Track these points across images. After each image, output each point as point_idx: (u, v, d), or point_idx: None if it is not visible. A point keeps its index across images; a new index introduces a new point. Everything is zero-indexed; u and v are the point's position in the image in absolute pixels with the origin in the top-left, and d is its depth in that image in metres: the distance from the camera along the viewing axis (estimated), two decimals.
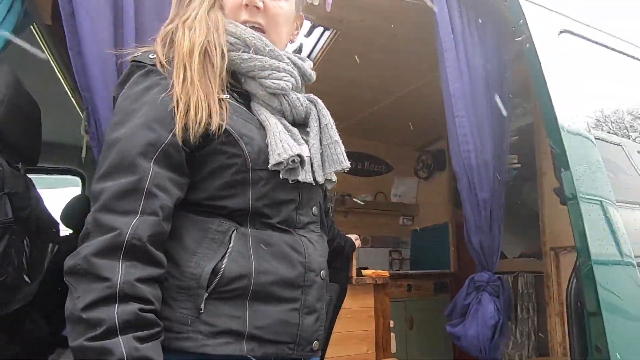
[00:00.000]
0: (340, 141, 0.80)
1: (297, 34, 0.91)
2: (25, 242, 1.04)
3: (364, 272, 1.80)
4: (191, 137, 0.67)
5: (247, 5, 0.78)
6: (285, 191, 0.74)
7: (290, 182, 0.73)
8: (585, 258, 0.93)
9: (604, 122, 1.31)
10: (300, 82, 0.81)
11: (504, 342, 1.45)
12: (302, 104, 0.80)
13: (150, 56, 0.72)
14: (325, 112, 0.83)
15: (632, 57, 1.31)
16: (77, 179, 2.97)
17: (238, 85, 0.79)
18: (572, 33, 1.15)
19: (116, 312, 0.57)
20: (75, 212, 2.28)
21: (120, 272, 0.59)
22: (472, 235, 1.44)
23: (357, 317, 1.65)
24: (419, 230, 3.61)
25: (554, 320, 2.13)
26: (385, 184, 3.68)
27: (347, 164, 0.79)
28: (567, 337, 2.07)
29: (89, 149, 1.65)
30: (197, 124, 0.66)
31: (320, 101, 0.84)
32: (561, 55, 1.10)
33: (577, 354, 1.01)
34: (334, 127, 0.82)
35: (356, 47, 2.20)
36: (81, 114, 2.13)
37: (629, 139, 1.36)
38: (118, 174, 0.64)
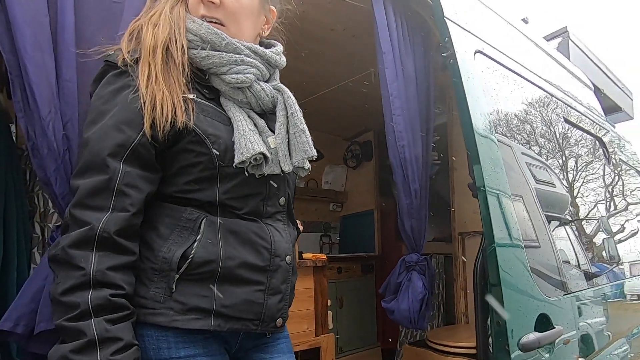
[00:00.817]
0: (306, 129, 0.82)
1: (269, 27, 0.92)
2: None
3: (304, 255, 1.92)
4: (159, 134, 0.71)
5: (202, 0, 0.79)
6: (252, 185, 0.79)
7: (257, 176, 0.78)
8: (490, 240, 1.14)
9: (499, 125, 1.55)
10: (265, 70, 0.83)
11: (429, 313, 1.68)
12: (267, 94, 0.82)
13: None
14: (291, 101, 0.83)
15: (523, 77, 1.60)
16: None
17: (207, 81, 0.81)
18: (483, 54, 1.36)
19: (90, 297, 0.64)
20: None
21: (94, 261, 0.65)
22: (405, 221, 1.61)
23: (298, 297, 1.75)
24: (347, 216, 3.85)
25: (459, 294, 2.49)
26: (317, 171, 3.82)
27: (313, 152, 0.81)
28: (469, 309, 2.46)
29: None
30: (164, 121, 0.70)
31: (286, 90, 0.85)
32: (475, 71, 1.30)
33: (480, 318, 1.24)
34: (300, 115, 0.83)
35: (295, 36, 2.26)
36: None
37: (515, 140, 1.62)
38: (91, 173, 0.69)
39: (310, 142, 0.82)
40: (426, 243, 3.13)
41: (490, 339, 1.18)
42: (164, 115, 0.70)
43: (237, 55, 0.78)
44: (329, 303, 1.99)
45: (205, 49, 0.77)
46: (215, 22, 0.80)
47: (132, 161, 0.70)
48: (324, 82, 2.79)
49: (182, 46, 0.75)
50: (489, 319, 1.19)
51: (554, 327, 1.16)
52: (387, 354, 3.23)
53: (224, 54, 0.78)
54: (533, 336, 1.08)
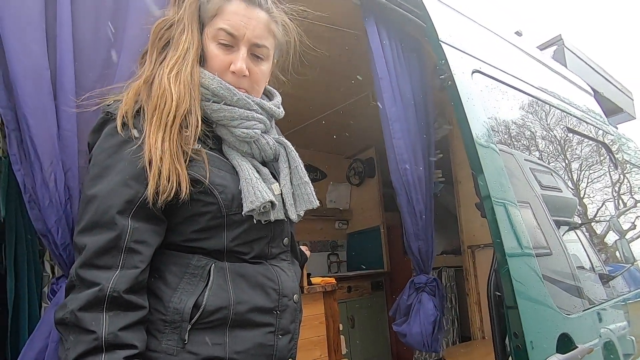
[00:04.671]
0: (310, 182, 0.86)
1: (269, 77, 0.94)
2: None
3: (312, 280, 1.90)
4: (159, 202, 0.69)
5: (234, 72, 0.81)
6: (258, 230, 0.80)
7: (263, 222, 0.79)
8: (501, 255, 1.11)
9: (501, 137, 1.55)
10: (269, 123, 0.86)
11: (442, 335, 1.64)
12: (271, 148, 0.84)
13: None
14: (295, 155, 0.87)
15: (522, 91, 1.61)
16: None
17: (212, 131, 0.81)
18: (481, 73, 1.37)
19: None
20: None
21: (105, 323, 0.64)
22: (411, 243, 1.60)
23: (309, 324, 1.73)
24: (353, 234, 3.83)
25: (473, 308, 2.45)
26: (320, 190, 3.82)
27: (316, 203, 0.85)
28: (484, 322, 2.41)
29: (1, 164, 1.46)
30: (168, 191, 0.69)
31: (289, 144, 0.89)
32: (474, 91, 1.31)
33: (497, 338, 1.20)
34: (303, 168, 0.87)
35: (292, 64, 2.29)
36: None
37: (513, 147, 1.62)
38: (98, 231, 0.68)
39: (314, 193, 0.85)
40: (435, 256, 3.09)
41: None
42: (169, 186, 0.69)
43: (249, 112, 0.80)
44: (340, 327, 1.96)
45: (218, 102, 0.78)
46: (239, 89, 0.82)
47: (140, 216, 0.70)
48: (322, 106, 2.81)
49: (198, 120, 0.75)
50: (506, 339, 1.16)
51: (577, 347, 1.13)
52: None
53: (237, 109, 0.79)
54: (556, 359, 1.04)
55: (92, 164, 0.73)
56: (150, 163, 0.69)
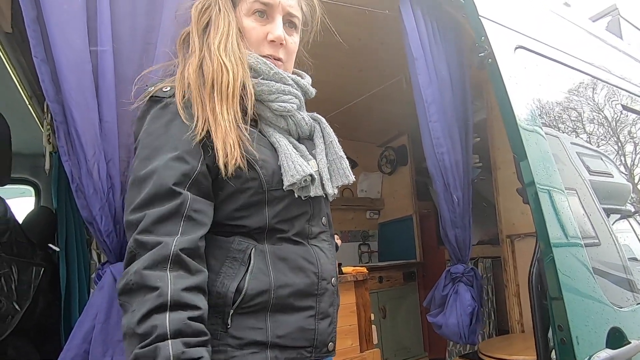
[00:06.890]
0: (345, 157, 0.86)
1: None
2: (12, 269, 1.00)
3: (343, 269, 1.89)
4: (229, 172, 0.71)
5: (272, 41, 0.82)
6: (298, 206, 0.81)
7: (303, 198, 0.79)
8: (546, 245, 1.05)
9: (546, 119, 1.45)
10: (302, 100, 0.86)
11: (480, 326, 1.59)
12: (306, 123, 0.85)
13: (164, 89, 0.75)
14: (329, 130, 0.88)
15: (571, 67, 1.49)
16: (31, 189, 2.82)
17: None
18: (525, 49, 1.28)
19: (168, 320, 0.60)
20: (36, 225, 2.17)
21: (170, 281, 0.62)
22: (448, 231, 1.55)
23: (341, 313, 1.71)
24: (385, 223, 3.77)
25: (512, 300, 2.35)
26: None
27: (352, 178, 0.85)
28: (523, 315, 2.31)
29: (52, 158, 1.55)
30: (234, 162, 0.71)
31: (323, 119, 0.90)
32: (517, 68, 1.23)
33: (539, 330, 1.14)
34: (338, 143, 0.87)
35: (320, 49, 2.25)
36: (40, 124, 2.02)
37: (558, 130, 1.51)
38: (157, 202, 0.68)
39: (349, 168, 0.85)
40: (472, 246, 2.99)
41: (553, 354, 1.09)
42: (230, 158, 0.71)
43: (285, 86, 0.81)
44: (372, 317, 1.94)
45: (255, 77, 0.79)
46: (277, 59, 0.84)
47: (195, 190, 0.71)
48: (353, 92, 2.76)
49: (252, 93, 0.77)
50: (549, 332, 1.10)
51: (629, 342, 1.05)
52: None
53: (273, 82, 0.80)
54: (606, 354, 0.97)
55: (141, 147, 0.73)
56: (216, 134, 0.71)
